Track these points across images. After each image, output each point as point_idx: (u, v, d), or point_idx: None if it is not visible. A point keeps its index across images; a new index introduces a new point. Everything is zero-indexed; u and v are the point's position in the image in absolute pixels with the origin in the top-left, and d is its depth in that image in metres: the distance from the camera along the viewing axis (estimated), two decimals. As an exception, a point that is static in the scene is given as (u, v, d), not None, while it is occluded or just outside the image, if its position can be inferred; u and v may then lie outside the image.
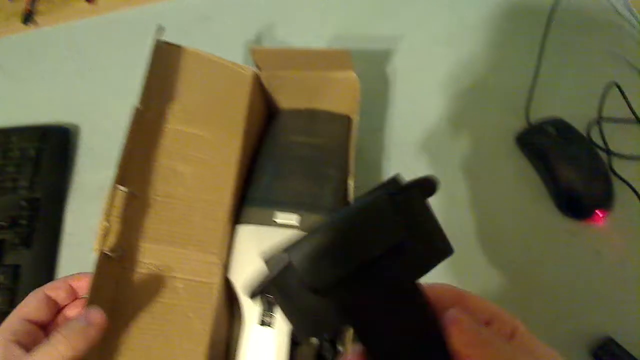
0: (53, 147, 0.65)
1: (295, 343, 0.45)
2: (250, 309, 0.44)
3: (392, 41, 0.69)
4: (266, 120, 0.59)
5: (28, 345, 0.37)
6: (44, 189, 0.62)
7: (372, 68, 0.67)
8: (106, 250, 0.39)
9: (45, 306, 0.40)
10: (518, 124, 0.60)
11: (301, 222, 0.46)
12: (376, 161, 0.61)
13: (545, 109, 0.60)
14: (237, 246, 0.47)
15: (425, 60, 0.67)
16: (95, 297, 0.38)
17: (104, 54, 0.73)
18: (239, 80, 0.51)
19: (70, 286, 0.41)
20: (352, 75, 0.52)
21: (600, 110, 0.58)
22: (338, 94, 0.56)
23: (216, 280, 0.43)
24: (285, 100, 0.59)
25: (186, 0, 0.77)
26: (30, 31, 0.78)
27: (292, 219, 0.46)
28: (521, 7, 0.68)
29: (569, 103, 0.60)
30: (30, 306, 0.39)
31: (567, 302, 0.50)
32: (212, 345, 0.41)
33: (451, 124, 0.62)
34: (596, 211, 0.52)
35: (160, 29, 0.47)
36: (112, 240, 0.39)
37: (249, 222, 0.47)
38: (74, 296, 0.42)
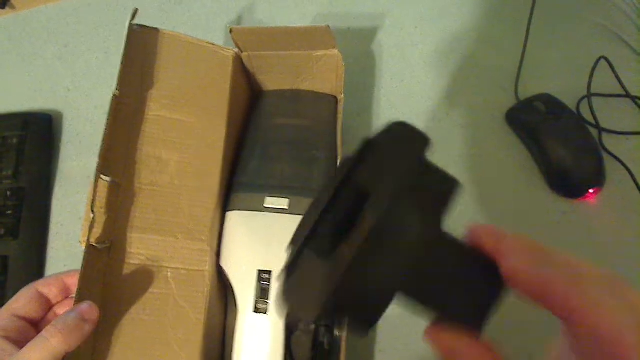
0: (36, 134, 0.63)
1: (290, 330, 0.45)
2: (245, 297, 0.44)
3: (378, 18, 0.68)
4: (250, 102, 0.58)
5: (19, 341, 0.37)
6: (28, 178, 0.61)
7: (358, 46, 0.66)
8: (93, 242, 0.38)
9: (36, 303, 0.40)
10: (507, 101, 0.59)
11: (290, 205, 0.46)
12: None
13: (534, 85, 0.59)
14: (227, 233, 0.46)
15: (411, 38, 0.66)
16: (85, 290, 0.37)
17: (84, 37, 0.71)
18: (220, 62, 0.50)
19: (63, 283, 0.41)
20: (335, 52, 0.52)
21: (589, 85, 0.57)
22: (322, 73, 0.55)
23: (207, 268, 0.43)
24: (269, 81, 0.58)
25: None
26: (8, 15, 0.76)
27: (281, 203, 0.46)
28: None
29: (558, 78, 0.60)
30: (21, 302, 0.39)
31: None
32: (207, 334, 0.41)
33: (439, 101, 0.61)
34: (588, 190, 0.52)
35: (135, 13, 0.45)
36: (98, 231, 0.39)
37: (238, 208, 0.47)
38: (66, 293, 0.41)
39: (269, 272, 0.43)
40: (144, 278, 0.41)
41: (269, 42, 0.52)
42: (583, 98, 0.57)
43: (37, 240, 0.59)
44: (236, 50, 0.51)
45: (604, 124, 0.55)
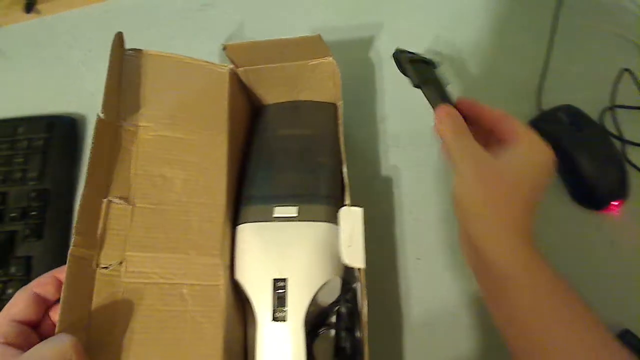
0: (61, 137, 0.64)
1: (311, 336, 0.46)
2: (262, 307, 0.44)
3: (394, 26, 0.68)
4: (250, 117, 0.58)
5: (22, 346, 0.36)
6: (53, 180, 0.61)
7: (369, 54, 0.67)
8: (101, 263, 0.39)
9: (34, 305, 0.39)
10: (529, 112, 0.59)
11: (300, 212, 0.46)
12: (373, 152, 0.61)
13: (556, 96, 0.59)
14: (240, 246, 0.46)
15: (432, 47, 0.66)
16: (97, 313, 0.38)
17: (108, 42, 0.71)
18: (216, 78, 0.50)
19: (58, 280, 0.40)
20: (329, 60, 0.52)
21: (613, 96, 0.57)
22: (319, 82, 0.55)
23: (222, 282, 0.42)
24: (267, 95, 0.58)
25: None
26: (33, 20, 0.77)
27: (291, 211, 0.46)
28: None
29: (580, 90, 0.60)
30: (19, 306, 0.38)
31: (582, 294, 0.50)
32: (227, 348, 0.41)
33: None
34: (611, 202, 0.52)
35: (121, 37, 0.46)
36: (105, 253, 0.40)
37: (249, 220, 0.47)
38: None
39: (284, 280, 0.43)
40: (159, 297, 0.41)
41: (263, 55, 0.52)
42: (606, 109, 0.57)
43: (61, 241, 0.59)
44: (231, 66, 0.52)
45: (627, 135, 0.56)
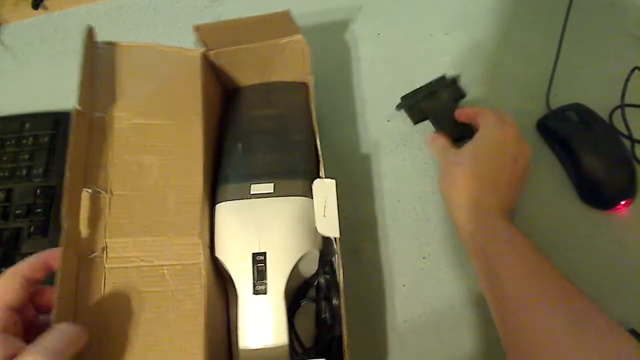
0: (67, 134, 0.63)
1: (292, 308, 0.48)
2: (243, 281, 0.44)
3: (408, 25, 0.68)
4: (224, 99, 0.59)
5: (16, 333, 0.37)
6: (59, 177, 0.61)
7: (383, 51, 0.67)
8: (83, 251, 0.40)
9: (25, 290, 0.39)
10: (538, 110, 0.59)
11: (276, 188, 0.47)
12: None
13: (566, 95, 0.59)
14: (219, 224, 0.47)
15: (442, 45, 0.66)
16: (83, 299, 0.39)
17: (115, 38, 0.71)
18: (188, 63, 0.51)
19: (46, 264, 0.40)
20: (299, 38, 0.53)
21: (623, 95, 0.57)
22: (290, 60, 0.56)
23: (202, 260, 0.43)
24: (240, 76, 0.59)
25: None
26: (41, 16, 0.77)
27: (267, 188, 0.47)
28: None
29: (590, 88, 0.59)
30: (12, 293, 0.38)
31: (589, 293, 0.50)
32: (209, 324, 0.42)
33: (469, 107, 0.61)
34: (620, 201, 0.51)
35: (91, 31, 0.48)
36: (87, 241, 0.41)
37: (226, 199, 0.47)
38: (49, 272, 0.41)
39: (264, 254, 0.44)
40: (141, 279, 0.42)
41: (233, 35, 0.53)
42: (616, 108, 0.57)
43: None
44: (203, 49, 0.52)
45: (637, 134, 0.55)
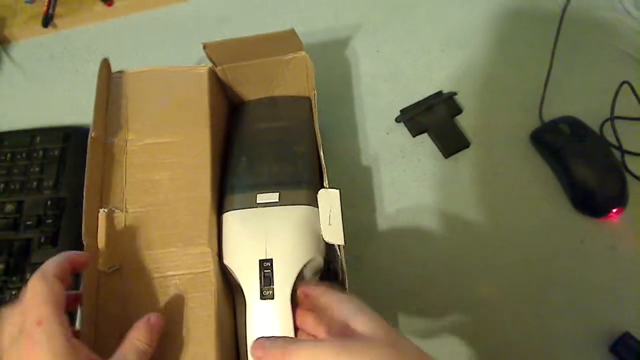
0: (76, 147, 0.66)
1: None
2: (250, 287, 0.46)
3: (404, 41, 0.70)
4: (230, 113, 0.62)
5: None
6: (69, 189, 0.63)
7: (385, 66, 0.69)
8: (101, 268, 0.43)
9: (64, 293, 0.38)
10: (531, 122, 0.61)
11: (281, 198, 0.48)
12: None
13: (558, 108, 0.61)
14: (226, 232, 0.49)
15: (438, 61, 0.68)
16: (101, 312, 0.42)
17: (123, 56, 0.74)
18: (195, 79, 0.54)
19: (73, 264, 0.40)
20: (302, 54, 0.55)
21: (612, 108, 0.59)
22: (294, 76, 0.58)
23: (211, 268, 0.45)
24: (245, 91, 0.61)
25: (203, 2, 0.78)
26: (50, 34, 0.79)
27: (272, 197, 0.48)
28: (533, 6, 0.70)
29: (581, 101, 0.62)
30: (61, 296, 0.37)
31: (583, 298, 0.52)
32: (220, 329, 0.43)
33: (466, 121, 0.63)
34: (611, 209, 0.53)
35: (106, 63, 0.52)
36: (106, 257, 0.43)
37: (233, 208, 0.49)
38: (74, 272, 0.41)
39: (270, 260, 0.45)
40: (155, 290, 0.44)
41: (240, 52, 0.55)
42: (606, 120, 0.59)
43: (76, 248, 0.58)
44: (210, 65, 0.55)
45: (626, 146, 0.57)
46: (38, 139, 0.66)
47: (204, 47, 0.52)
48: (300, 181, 0.51)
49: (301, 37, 0.52)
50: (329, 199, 0.49)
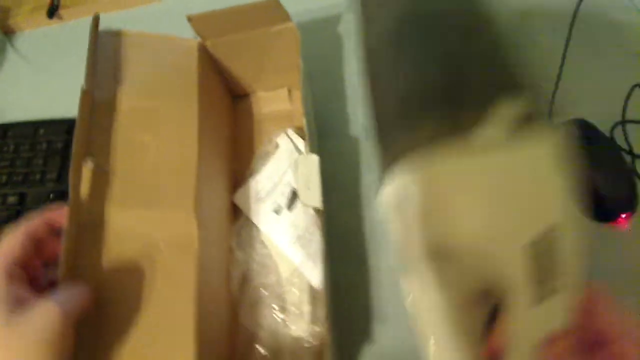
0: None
1: None
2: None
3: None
4: (221, 85, 0.63)
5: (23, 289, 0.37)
6: (72, 182, 0.63)
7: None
8: (83, 220, 0.42)
9: (29, 246, 0.40)
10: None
11: None
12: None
13: (568, 110, 0.60)
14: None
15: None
16: (81, 264, 0.41)
17: None
18: (185, 51, 0.55)
19: (49, 220, 0.42)
20: (290, 25, 0.56)
21: (624, 112, 0.58)
22: (283, 49, 0.59)
23: (195, 234, 0.45)
24: (236, 66, 0.62)
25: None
26: (56, 25, 0.79)
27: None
28: (544, 6, 0.69)
29: (592, 104, 0.60)
30: (17, 249, 0.39)
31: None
32: (200, 290, 0.44)
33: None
34: (620, 214, 0.52)
35: (97, 19, 0.51)
36: (87, 211, 0.43)
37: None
38: (52, 229, 0.42)
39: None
40: (137, 247, 0.44)
41: (226, 25, 0.55)
42: (617, 124, 0.58)
43: None
44: (199, 40, 0.56)
45: (637, 150, 0.56)
46: (42, 130, 0.66)
47: (189, 19, 0.53)
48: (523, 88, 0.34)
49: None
50: (308, 164, 0.50)
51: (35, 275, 0.40)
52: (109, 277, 0.42)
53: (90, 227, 0.43)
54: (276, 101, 0.67)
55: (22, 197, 0.63)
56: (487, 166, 0.28)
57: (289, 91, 0.67)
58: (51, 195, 0.62)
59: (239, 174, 0.62)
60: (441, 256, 0.28)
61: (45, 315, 0.35)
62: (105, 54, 0.50)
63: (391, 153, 0.30)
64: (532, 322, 0.29)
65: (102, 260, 0.42)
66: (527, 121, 0.28)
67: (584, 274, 0.31)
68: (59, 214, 0.41)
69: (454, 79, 0.32)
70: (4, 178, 0.64)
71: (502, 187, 0.28)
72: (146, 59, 0.52)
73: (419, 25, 0.36)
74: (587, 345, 0.29)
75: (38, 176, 0.63)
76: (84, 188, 0.43)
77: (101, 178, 0.45)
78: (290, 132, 0.60)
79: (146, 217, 0.45)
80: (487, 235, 0.28)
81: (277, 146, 0.61)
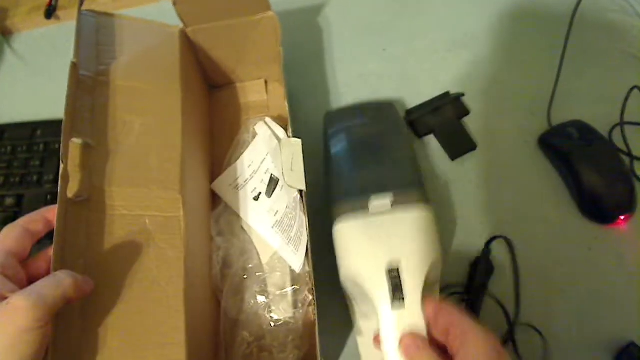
0: (78, 142, 0.65)
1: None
2: (380, 297, 0.43)
3: (411, 43, 0.70)
4: (201, 73, 0.64)
5: (13, 279, 0.37)
6: (69, 184, 0.62)
7: (391, 68, 0.68)
8: (70, 196, 0.41)
9: (26, 240, 0.40)
10: (539, 126, 0.60)
11: (394, 199, 0.46)
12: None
13: (566, 112, 0.60)
14: (345, 242, 0.46)
15: (444, 62, 0.68)
16: (67, 241, 0.40)
17: None
18: (168, 36, 0.56)
19: (46, 218, 0.42)
20: (270, 14, 0.56)
21: (622, 113, 0.58)
22: (263, 38, 0.59)
23: (181, 214, 0.46)
24: (216, 55, 0.63)
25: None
26: (53, 26, 0.79)
27: (386, 199, 0.46)
28: (542, 8, 0.69)
29: (590, 106, 0.61)
30: (12, 240, 0.39)
31: (589, 306, 0.51)
32: (189, 270, 0.44)
33: (475, 124, 0.62)
34: (619, 216, 0.52)
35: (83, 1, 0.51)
36: (74, 186, 0.42)
37: (346, 212, 0.46)
38: (49, 228, 0.42)
39: (397, 268, 0.42)
40: (125, 226, 0.43)
41: (209, 10, 0.56)
42: (615, 126, 0.58)
43: None
44: (181, 26, 0.57)
45: (636, 152, 0.56)
46: (39, 132, 0.66)
47: (174, 3, 0.54)
48: (410, 182, 0.48)
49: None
50: (291, 147, 0.50)
51: (37, 272, 0.40)
52: (96, 254, 0.41)
53: (79, 203, 0.42)
54: (253, 92, 0.68)
55: (19, 198, 0.62)
56: (371, 224, 0.45)
57: (266, 82, 0.67)
58: (49, 197, 0.61)
59: (217, 163, 0.62)
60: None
61: (12, 312, 0.33)
62: (88, 34, 0.50)
63: (334, 212, 0.47)
64: (392, 321, 0.41)
65: (88, 239, 0.42)
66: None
67: (426, 290, 0.42)
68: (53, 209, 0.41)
69: (373, 176, 0.49)
70: (1, 180, 0.63)
71: (375, 236, 0.44)
72: (131, 41, 0.53)
73: (362, 144, 0.53)
74: (434, 340, 0.39)
75: (35, 177, 0.63)
76: (70, 164, 0.42)
77: (86, 155, 0.44)
78: (269, 120, 0.60)
79: (133, 195, 0.45)
80: (365, 264, 0.44)
81: (255, 134, 0.60)
